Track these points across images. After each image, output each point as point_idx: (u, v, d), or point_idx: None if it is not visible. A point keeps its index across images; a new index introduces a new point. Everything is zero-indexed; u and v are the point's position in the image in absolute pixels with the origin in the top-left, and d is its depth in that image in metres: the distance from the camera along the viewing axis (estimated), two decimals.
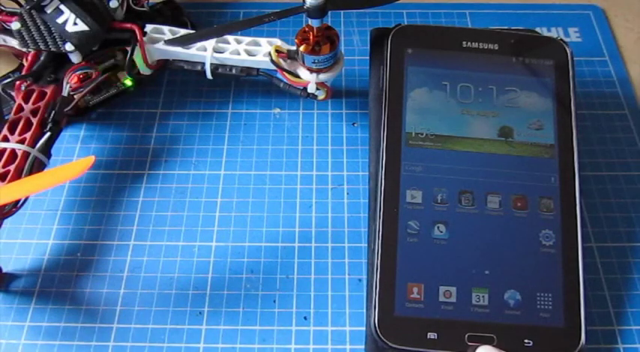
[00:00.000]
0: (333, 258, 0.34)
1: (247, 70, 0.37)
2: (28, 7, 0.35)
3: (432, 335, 0.28)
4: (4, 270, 0.34)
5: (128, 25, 0.36)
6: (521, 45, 0.34)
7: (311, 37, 0.33)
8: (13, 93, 0.36)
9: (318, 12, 0.31)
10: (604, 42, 0.44)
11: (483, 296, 0.29)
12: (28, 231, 0.35)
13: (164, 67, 0.39)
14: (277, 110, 0.40)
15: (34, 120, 0.33)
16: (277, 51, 0.35)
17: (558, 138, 0.32)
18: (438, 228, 0.30)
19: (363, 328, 0.31)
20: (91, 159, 0.27)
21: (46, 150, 0.33)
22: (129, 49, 0.36)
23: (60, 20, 0.34)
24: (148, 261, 0.34)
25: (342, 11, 0.45)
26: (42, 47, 0.35)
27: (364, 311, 0.32)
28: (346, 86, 0.41)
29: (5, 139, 0.33)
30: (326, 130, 0.39)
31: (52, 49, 0.35)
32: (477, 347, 0.27)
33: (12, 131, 0.33)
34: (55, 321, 0.32)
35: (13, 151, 0.32)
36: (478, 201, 0.31)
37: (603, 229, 0.35)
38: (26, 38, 0.35)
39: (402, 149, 0.32)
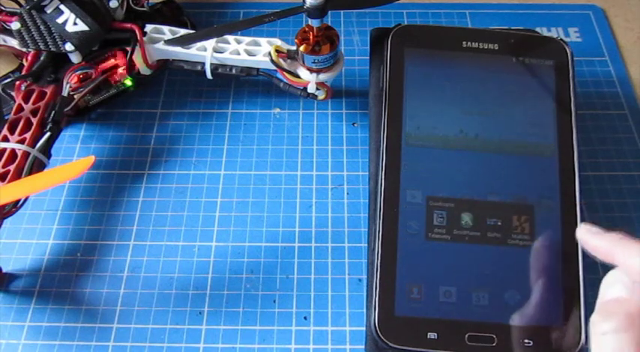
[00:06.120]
0: (333, 258, 0.34)
1: (247, 70, 0.37)
2: (28, 7, 0.35)
3: (432, 335, 0.28)
4: (4, 270, 0.34)
5: (128, 25, 0.36)
6: (521, 45, 0.34)
7: (311, 37, 0.33)
8: (13, 93, 0.36)
9: (318, 12, 0.31)
10: (604, 42, 0.44)
11: (483, 296, 0.29)
12: (28, 231, 0.35)
13: (164, 67, 0.39)
14: (277, 110, 0.40)
15: (34, 120, 0.33)
16: (277, 51, 0.35)
17: (558, 138, 0.32)
18: (439, 227, 0.30)
19: (363, 328, 0.31)
20: (91, 159, 0.27)
21: (46, 150, 0.33)
22: (129, 49, 0.36)
23: (60, 20, 0.34)
24: (148, 261, 0.34)
25: (342, 11, 0.45)
26: (42, 47, 0.35)
27: (364, 311, 0.32)
28: (346, 86, 0.41)
29: (5, 139, 0.33)
30: (326, 130, 0.39)
31: (52, 49, 0.35)
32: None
33: (12, 131, 0.33)
34: (55, 321, 0.32)
35: (13, 151, 0.32)
36: (478, 200, 0.31)
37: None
38: (26, 38, 0.35)
39: (402, 149, 0.32)
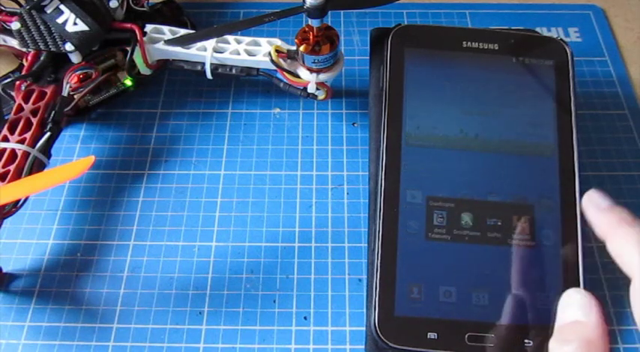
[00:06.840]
0: (333, 258, 0.34)
1: (247, 70, 0.37)
2: (28, 7, 0.35)
3: (432, 335, 0.28)
4: (4, 270, 0.34)
5: (128, 25, 0.36)
6: (521, 45, 0.34)
7: (311, 37, 0.33)
8: (13, 93, 0.36)
9: (318, 12, 0.31)
10: (604, 42, 0.44)
11: (483, 296, 0.29)
12: (28, 231, 0.35)
13: (164, 67, 0.39)
14: (277, 110, 0.40)
15: (34, 120, 0.33)
16: (277, 51, 0.35)
17: (558, 138, 0.32)
18: (439, 227, 0.30)
19: (363, 328, 0.31)
20: (91, 159, 0.27)
21: (46, 150, 0.33)
22: (129, 49, 0.36)
23: (60, 20, 0.34)
24: (148, 260, 0.34)
25: (342, 11, 0.45)
26: (42, 47, 0.35)
27: (364, 311, 0.32)
28: (346, 86, 0.42)
29: (5, 139, 0.33)
30: (326, 130, 0.39)
31: (52, 49, 0.35)
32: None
33: (12, 131, 0.33)
34: (55, 321, 0.32)
35: (13, 151, 0.32)
36: (478, 200, 0.31)
37: None
38: (26, 38, 0.35)
39: (402, 149, 0.32)
